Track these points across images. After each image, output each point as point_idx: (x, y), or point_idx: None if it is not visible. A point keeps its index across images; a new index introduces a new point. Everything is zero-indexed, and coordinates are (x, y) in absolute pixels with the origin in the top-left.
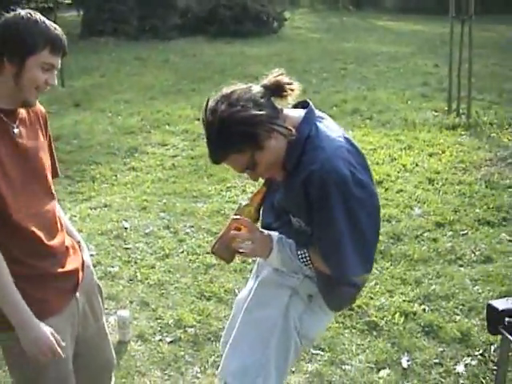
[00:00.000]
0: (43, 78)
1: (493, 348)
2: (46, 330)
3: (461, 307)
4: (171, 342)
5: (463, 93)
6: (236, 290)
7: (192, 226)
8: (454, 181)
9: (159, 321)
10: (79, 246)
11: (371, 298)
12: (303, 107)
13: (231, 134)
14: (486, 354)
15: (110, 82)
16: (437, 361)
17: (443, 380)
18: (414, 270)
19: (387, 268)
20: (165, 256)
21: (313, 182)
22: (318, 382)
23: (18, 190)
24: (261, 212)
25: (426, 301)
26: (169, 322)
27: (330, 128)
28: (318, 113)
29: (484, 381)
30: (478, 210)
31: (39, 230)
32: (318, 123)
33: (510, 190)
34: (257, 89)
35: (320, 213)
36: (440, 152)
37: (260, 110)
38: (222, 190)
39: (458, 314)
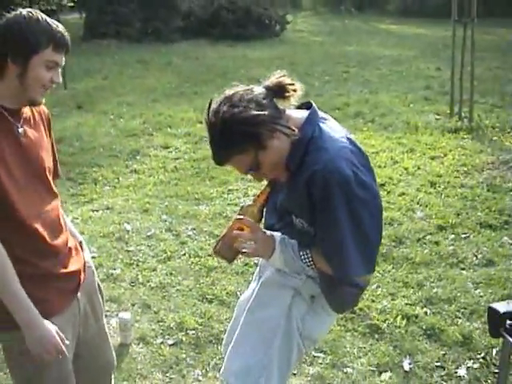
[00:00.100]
0: (48, 77)
1: (494, 351)
2: (51, 328)
3: (463, 310)
4: (173, 344)
5: (465, 96)
6: (238, 293)
7: (194, 229)
8: (456, 184)
9: (161, 323)
10: (81, 246)
11: (373, 301)
12: (307, 108)
13: (233, 134)
14: (488, 358)
15: (113, 85)
16: (439, 364)
17: (445, 383)
18: (415, 273)
19: (389, 271)
20: (167, 258)
21: (316, 182)
22: None
23: (22, 189)
24: (264, 213)
25: (427, 304)
26: (170, 325)
27: (334, 129)
28: (321, 114)
29: None
30: (479, 214)
31: (43, 229)
32: (321, 124)
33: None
34: (259, 90)
35: (323, 213)
36: (442, 155)
37: (262, 111)
38: (223, 193)
39: (459, 317)
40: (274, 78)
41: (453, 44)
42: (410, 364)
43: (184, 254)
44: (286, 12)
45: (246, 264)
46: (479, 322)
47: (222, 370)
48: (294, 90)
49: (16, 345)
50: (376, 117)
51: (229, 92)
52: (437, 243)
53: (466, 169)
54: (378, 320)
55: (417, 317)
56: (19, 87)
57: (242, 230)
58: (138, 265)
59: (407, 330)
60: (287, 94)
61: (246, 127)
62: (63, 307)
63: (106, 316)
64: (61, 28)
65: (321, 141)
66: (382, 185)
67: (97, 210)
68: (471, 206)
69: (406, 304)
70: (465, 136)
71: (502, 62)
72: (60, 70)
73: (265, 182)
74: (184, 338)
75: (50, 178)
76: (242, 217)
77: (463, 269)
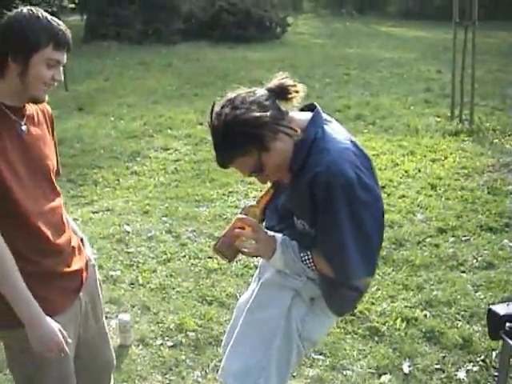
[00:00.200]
0: (49, 75)
1: (494, 354)
2: (54, 326)
3: (462, 313)
4: (172, 346)
5: (466, 99)
6: (238, 295)
7: (194, 231)
8: (456, 187)
9: (160, 325)
10: (82, 243)
11: (373, 304)
12: (310, 110)
13: (236, 136)
14: (488, 360)
15: (114, 86)
16: (438, 367)
17: None
18: (415, 276)
19: (389, 273)
20: (166, 260)
21: (318, 183)
22: None
23: (26, 186)
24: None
25: (427, 306)
26: (170, 326)
27: (337, 131)
28: (324, 116)
29: None
30: (480, 216)
31: (46, 228)
32: (324, 126)
33: None
34: (261, 92)
35: (324, 215)
36: (442, 158)
37: (264, 112)
38: (224, 195)
39: (459, 320)
40: (276, 79)
41: (454, 47)
42: (409, 367)
43: (184, 256)
44: (287, 14)
45: (246, 266)
46: (479, 325)
47: (220, 370)
48: (297, 92)
49: (17, 343)
50: (376, 119)
51: (231, 94)
52: (437, 246)
53: (466, 171)
54: (377, 322)
55: (416, 319)
56: (20, 85)
57: (243, 229)
58: (137, 266)
59: (407, 333)
60: (289, 96)
61: (249, 129)
62: (66, 306)
63: (105, 317)
64: (62, 26)
65: (324, 142)
66: (383, 187)
67: (97, 212)
68: (471, 209)
69: (406, 306)
70: (465, 138)
71: (502, 64)
72: (61, 68)
73: (267, 185)
74: (183, 340)
75: (53, 176)
76: (243, 216)
77: (463, 271)
